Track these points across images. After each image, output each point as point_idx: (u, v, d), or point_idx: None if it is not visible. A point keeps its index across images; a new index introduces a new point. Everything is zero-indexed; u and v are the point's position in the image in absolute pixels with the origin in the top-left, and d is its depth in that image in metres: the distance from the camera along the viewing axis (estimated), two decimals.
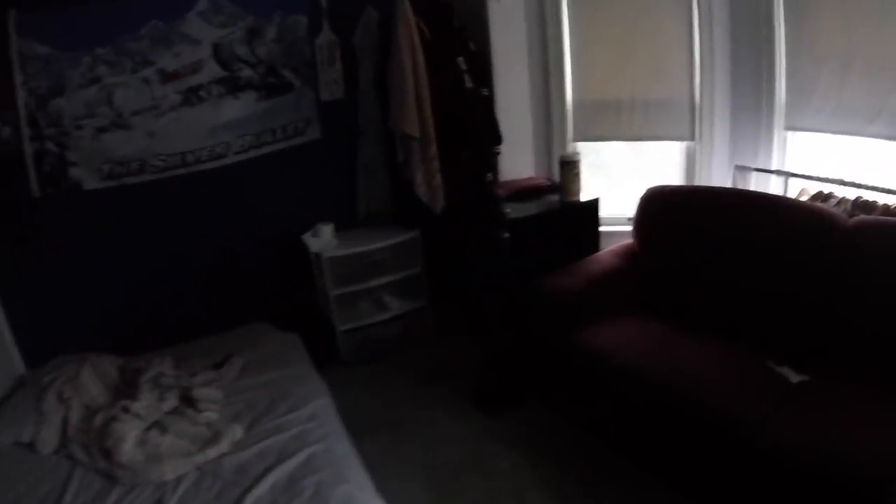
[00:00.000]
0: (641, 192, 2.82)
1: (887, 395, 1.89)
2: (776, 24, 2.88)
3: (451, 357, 3.17)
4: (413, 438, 2.58)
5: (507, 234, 2.67)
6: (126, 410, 2.12)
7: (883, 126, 2.60)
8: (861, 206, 2.63)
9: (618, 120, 3.23)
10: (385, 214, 3.39)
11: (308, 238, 3.18)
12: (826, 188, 2.82)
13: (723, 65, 3.11)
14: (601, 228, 3.05)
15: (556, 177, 3.05)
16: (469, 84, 2.77)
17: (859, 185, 2.70)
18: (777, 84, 2.97)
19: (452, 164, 3.05)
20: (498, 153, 2.90)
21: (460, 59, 2.76)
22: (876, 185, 2.64)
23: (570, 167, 2.88)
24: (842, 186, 2.77)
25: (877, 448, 1.63)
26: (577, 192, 2.92)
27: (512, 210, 2.76)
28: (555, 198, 2.96)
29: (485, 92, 2.88)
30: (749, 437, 1.81)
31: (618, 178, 3.55)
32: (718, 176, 3.23)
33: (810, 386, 2.04)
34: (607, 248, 2.83)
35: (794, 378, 2.10)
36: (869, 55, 2.57)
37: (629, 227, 2.88)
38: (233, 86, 2.99)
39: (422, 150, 3.00)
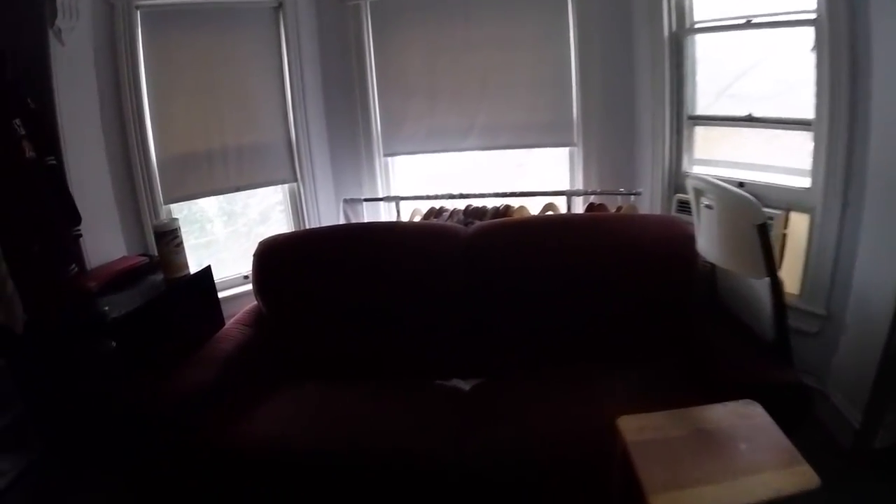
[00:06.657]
0: (247, 244, 2.51)
1: (547, 375, 2.07)
2: (367, 63, 3.12)
3: None
4: None
5: (112, 343, 2.05)
6: None
7: (475, 140, 3.16)
8: (472, 213, 2.90)
9: (211, 173, 2.91)
10: None
11: None
12: (436, 204, 3.02)
13: (316, 103, 3.11)
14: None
15: (154, 250, 2.55)
16: (30, 153, 2.17)
17: (466, 196, 2.98)
18: (372, 116, 3.16)
19: (23, 262, 2.25)
20: (78, 236, 2.36)
21: (17, 121, 2.14)
22: (481, 192, 2.96)
23: (168, 237, 2.38)
24: (450, 200, 3.00)
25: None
26: (184, 265, 2.44)
27: (111, 306, 2.14)
28: (158, 277, 2.44)
29: (51, 161, 2.29)
30: (450, 458, 1.76)
31: (213, 233, 3.17)
32: (328, 213, 3.21)
33: (483, 388, 2.12)
34: (232, 319, 2.42)
35: (466, 386, 2.15)
36: (453, 85, 3.11)
37: (247, 286, 2.54)
38: None
39: None
